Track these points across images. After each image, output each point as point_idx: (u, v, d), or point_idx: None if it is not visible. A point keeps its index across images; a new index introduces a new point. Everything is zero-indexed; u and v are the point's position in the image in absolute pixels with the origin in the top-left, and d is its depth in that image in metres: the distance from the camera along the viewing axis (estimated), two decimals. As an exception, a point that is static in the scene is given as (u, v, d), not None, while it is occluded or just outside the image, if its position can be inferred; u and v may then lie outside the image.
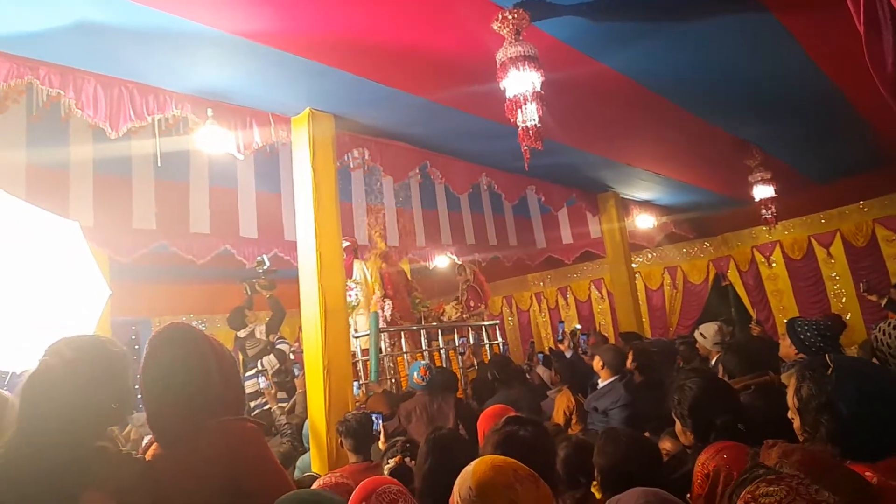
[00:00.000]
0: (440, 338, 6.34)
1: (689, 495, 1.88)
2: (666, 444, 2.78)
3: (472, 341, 6.45)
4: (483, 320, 7.13)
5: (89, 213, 5.03)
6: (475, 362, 6.13)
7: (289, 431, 4.45)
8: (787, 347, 3.09)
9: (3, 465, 1.38)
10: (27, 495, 1.35)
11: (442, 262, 7.92)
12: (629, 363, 4.26)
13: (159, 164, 4.19)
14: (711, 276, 10.37)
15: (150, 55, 3.52)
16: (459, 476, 1.31)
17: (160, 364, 1.63)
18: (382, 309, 6.07)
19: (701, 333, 4.60)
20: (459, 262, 7.82)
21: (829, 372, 1.48)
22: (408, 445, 2.57)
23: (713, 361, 4.48)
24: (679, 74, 4.64)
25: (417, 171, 5.77)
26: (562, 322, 6.27)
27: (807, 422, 1.48)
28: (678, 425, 2.10)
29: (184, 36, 3.33)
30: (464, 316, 7.11)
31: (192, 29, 3.26)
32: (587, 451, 2.30)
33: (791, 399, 1.57)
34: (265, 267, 5.89)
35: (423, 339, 6.12)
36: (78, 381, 1.47)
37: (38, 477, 1.37)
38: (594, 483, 2.25)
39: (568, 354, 5.37)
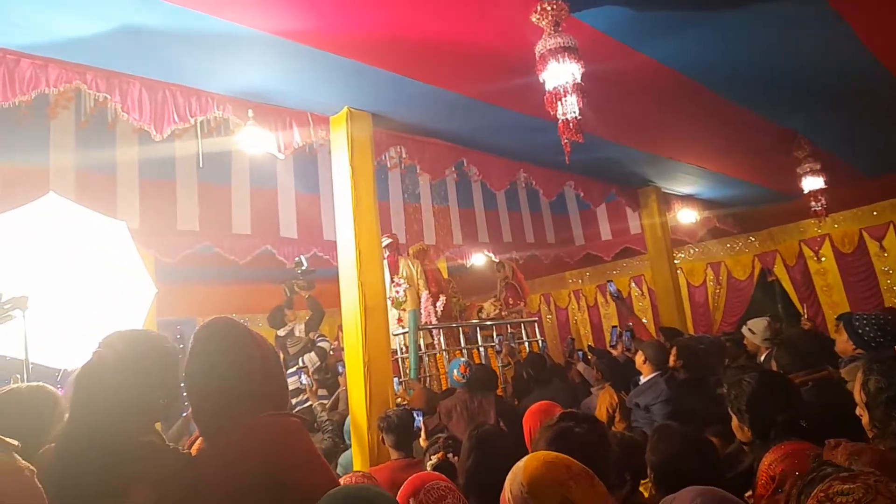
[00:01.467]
0: (478, 335, 6.30)
1: (748, 494, 1.80)
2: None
3: (509, 338, 6.38)
4: (522, 318, 7.07)
5: (136, 215, 5.14)
6: (511, 361, 6.07)
7: (330, 428, 4.47)
8: (843, 343, 2.97)
9: (56, 456, 1.40)
10: (78, 487, 1.37)
11: (479, 260, 7.87)
12: (673, 360, 4.15)
13: (202, 166, 4.25)
14: (757, 272, 10.07)
15: (191, 57, 3.58)
16: (510, 472, 1.28)
17: (203, 358, 1.63)
18: (434, 305, 6.08)
19: (749, 329, 4.45)
20: (497, 260, 7.76)
21: (899, 364, 1.40)
22: (450, 442, 2.54)
23: (762, 358, 4.35)
24: (724, 64, 4.51)
25: (454, 168, 5.74)
26: (615, 327, 6.10)
27: (876, 416, 1.41)
28: (735, 421, 2.01)
29: (224, 37, 3.37)
30: (502, 313, 7.06)
31: (232, 30, 3.30)
32: (633, 448, 2.24)
33: (858, 394, 1.49)
34: (303, 268, 5.96)
35: (461, 336, 6.10)
36: (129, 373, 1.49)
37: (89, 470, 1.38)
38: (643, 481, 2.19)
39: (621, 360, 5.27)
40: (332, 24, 3.42)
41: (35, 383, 2.02)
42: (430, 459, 2.51)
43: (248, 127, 4.10)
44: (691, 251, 10.63)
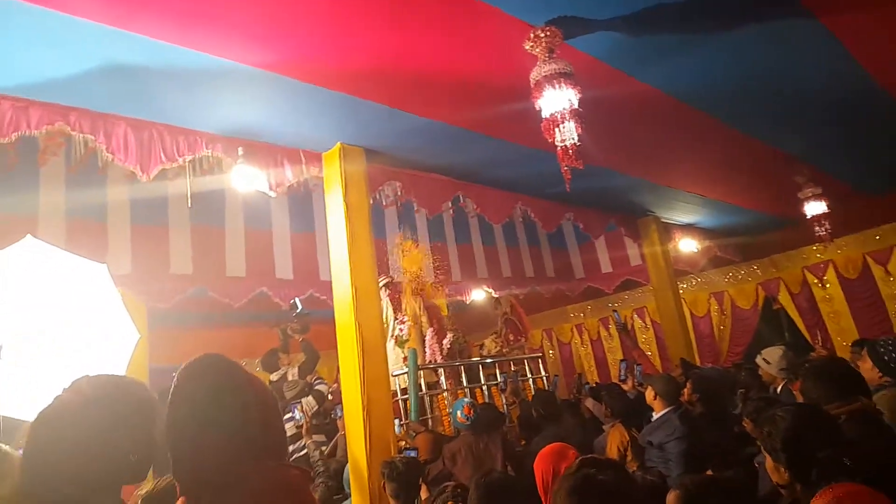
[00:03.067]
0: (481, 373, 6.10)
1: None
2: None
3: (513, 376, 6.16)
4: (525, 354, 6.87)
5: (127, 260, 5.01)
6: (516, 399, 5.86)
7: (321, 470, 4.27)
8: (869, 371, 2.82)
9: None
10: None
11: (478, 295, 7.71)
12: (688, 394, 3.97)
13: (190, 206, 4.14)
14: (761, 301, 9.91)
15: (178, 95, 3.50)
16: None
17: (190, 402, 1.36)
18: (441, 343, 5.90)
19: (764, 359, 4.28)
20: (496, 296, 7.60)
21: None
22: (458, 490, 2.34)
23: (778, 388, 4.17)
24: (719, 88, 4.45)
25: (450, 204, 5.64)
26: (623, 360, 5.88)
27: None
28: (769, 461, 1.83)
29: (211, 73, 3.29)
30: (503, 350, 6.87)
31: (219, 65, 3.22)
32: (656, 492, 2.07)
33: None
34: (298, 310, 5.80)
35: (463, 375, 5.90)
36: (96, 423, 1.27)
37: None
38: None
39: (631, 396, 5.06)
40: (322, 56, 3.34)
41: None
42: (438, 511, 2.32)
43: (238, 165, 4.00)
44: (693, 281, 10.48)
